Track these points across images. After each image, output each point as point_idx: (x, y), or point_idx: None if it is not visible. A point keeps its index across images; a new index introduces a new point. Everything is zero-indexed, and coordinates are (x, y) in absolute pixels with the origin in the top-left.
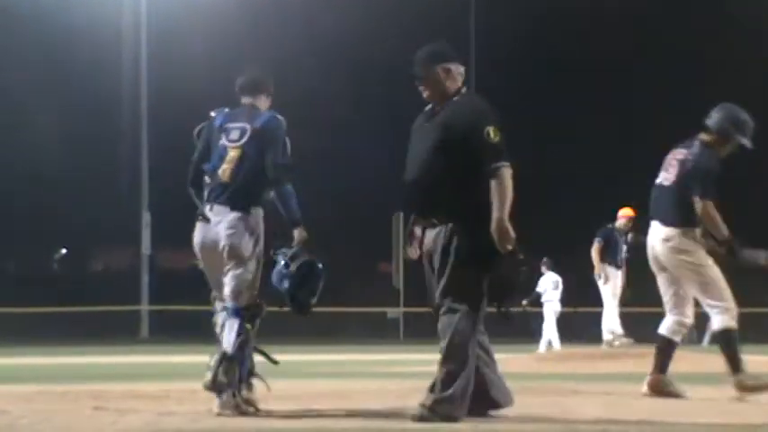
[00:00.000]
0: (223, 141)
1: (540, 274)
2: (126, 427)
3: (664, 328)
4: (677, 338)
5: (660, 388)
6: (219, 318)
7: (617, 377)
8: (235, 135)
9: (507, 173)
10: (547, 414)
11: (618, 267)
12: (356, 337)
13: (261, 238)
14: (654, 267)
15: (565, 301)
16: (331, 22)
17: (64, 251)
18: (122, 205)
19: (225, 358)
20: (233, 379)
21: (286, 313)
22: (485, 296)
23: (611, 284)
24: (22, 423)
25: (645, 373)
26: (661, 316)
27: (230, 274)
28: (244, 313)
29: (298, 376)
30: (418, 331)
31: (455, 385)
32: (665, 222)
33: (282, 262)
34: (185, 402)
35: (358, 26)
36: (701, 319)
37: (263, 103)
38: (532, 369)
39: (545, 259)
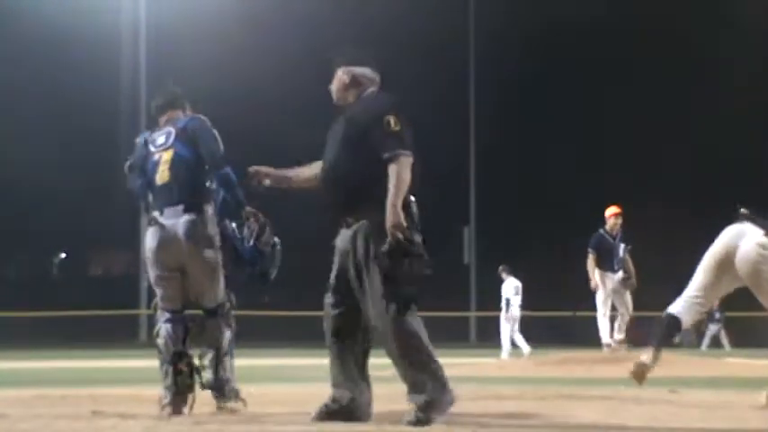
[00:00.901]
0: (151, 150)
1: (501, 281)
2: (125, 430)
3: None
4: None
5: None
6: (163, 328)
7: (616, 382)
8: (161, 140)
9: (405, 160)
10: (546, 418)
11: (615, 271)
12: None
13: (217, 236)
14: (725, 267)
15: (525, 305)
16: (331, 23)
17: (63, 255)
18: (121, 210)
19: (220, 355)
20: (231, 373)
21: (286, 318)
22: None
23: (602, 290)
24: (22, 427)
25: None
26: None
27: (200, 279)
28: (221, 310)
29: (298, 380)
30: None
31: (432, 386)
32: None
33: (251, 242)
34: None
35: (358, 26)
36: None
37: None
38: (531, 373)
39: (503, 266)
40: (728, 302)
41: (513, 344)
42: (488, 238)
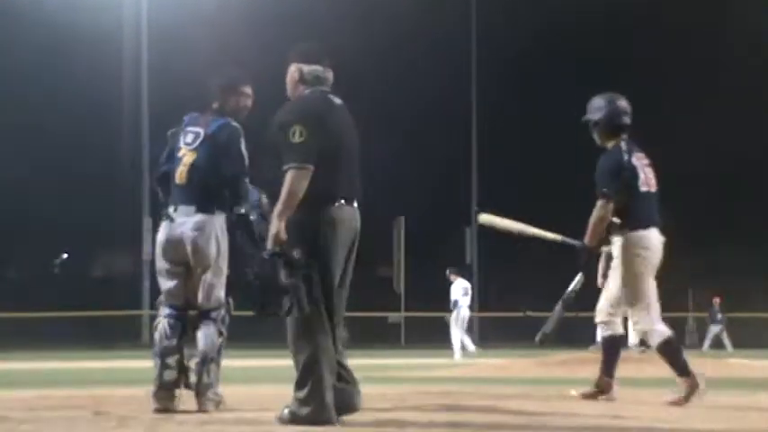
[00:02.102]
0: (180, 143)
1: (449, 283)
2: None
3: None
4: None
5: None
6: (161, 322)
7: (618, 382)
8: (190, 138)
9: (292, 174)
10: (547, 419)
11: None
12: (357, 342)
13: (225, 240)
14: (652, 272)
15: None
16: (331, 23)
17: (65, 256)
18: (123, 210)
19: (207, 360)
20: (215, 379)
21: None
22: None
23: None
24: (23, 429)
25: (646, 377)
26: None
27: (201, 278)
28: (215, 315)
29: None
30: (420, 336)
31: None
32: (661, 230)
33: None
34: (186, 407)
35: (358, 26)
36: (703, 324)
37: (233, 105)
38: (533, 374)
39: (450, 268)
40: (730, 304)
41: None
42: (490, 239)
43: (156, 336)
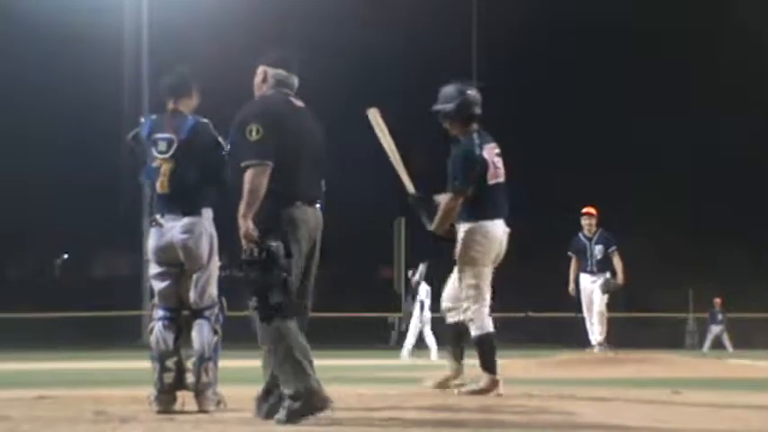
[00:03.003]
0: (153, 153)
1: (415, 283)
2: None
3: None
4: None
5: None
6: (156, 326)
7: (618, 382)
8: (163, 147)
9: (251, 172)
10: (548, 419)
11: (591, 273)
12: (357, 343)
13: (215, 238)
14: (491, 262)
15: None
16: (332, 24)
17: (65, 256)
18: (124, 210)
19: (203, 359)
20: (213, 378)
21: None
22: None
23: (582, 294)
24: (24, 429)
25: (646, 377)
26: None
27: (193, 279)
28: (209, 314)
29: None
30: (420, 336)
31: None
32: (506, 221)
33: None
34: (187, 407)
35: (359, 25)
36: (703, 324)
37: (187, 104)
38: (533, 374)
39: (413, 270)
40: (731, 304)
41: (418, 343)
42: None
43: (153, 340)
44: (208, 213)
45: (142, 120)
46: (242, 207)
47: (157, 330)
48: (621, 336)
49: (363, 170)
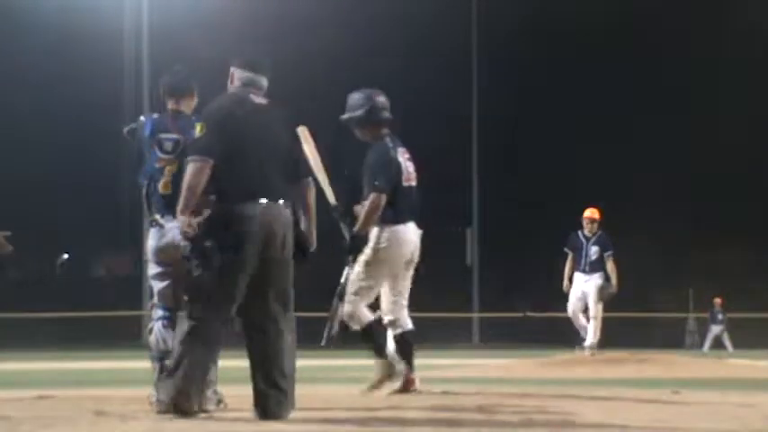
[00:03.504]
0: (158, 153)
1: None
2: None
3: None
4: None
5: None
6: (157, 326)
7: (618, 382)
8: (169, 147)
9: (190, 168)
10: (548, 419)
11: (584, 272)
12: (357, 342)
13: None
14: (403, 266)
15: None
16: (332, 25)
17: (65, 256)
18: (124, 210)
19: None
20: (213, 377)
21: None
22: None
23: (572, 292)
24: (23, 429)
25: (646, 377)
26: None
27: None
28: None
29: (298, 381)
30: (419, 336)
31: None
32: (418, 224)
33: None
34: None
35: (360, 27)
36: (704, 324)
37: (189, 104)
38: (534, 374)
39: None
40: (731, 304)
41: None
42: (491, 240)
43: (152, 340)
44: (207, 215)
45: (142, 118)
46: (180, 203)
47: (157, 330)
48: (622, 336)
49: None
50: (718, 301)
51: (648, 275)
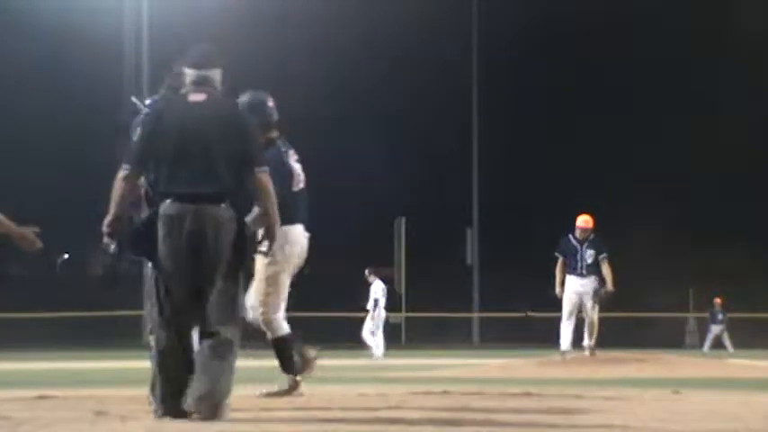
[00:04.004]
0: None
1: (368, 283)
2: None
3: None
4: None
5: None
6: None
7: (619, 382)
8: None
9: (119, 173)
10: (549, 419)
11: (580, 275)
12: (358, 342)
13: None
14: (293, 269)
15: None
16: (333, 25)
17: (66, 256)
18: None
19: None
20: None
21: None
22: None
23: (566, 296)
24: (24, 429)
25: (646, 377)
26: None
27: None
28: None
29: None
30: (420, 336)
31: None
32: (306, 227)
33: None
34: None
35: (359, 28)
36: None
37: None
38: (535, 374)
39: (369, 268)
40: (731, 304)
41: (366, 341)
42: (491, 240)
43: (153, 340)
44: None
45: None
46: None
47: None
48: (622, 336)
49: (363, 171)
50: (718, 301)
51: (648, 276)
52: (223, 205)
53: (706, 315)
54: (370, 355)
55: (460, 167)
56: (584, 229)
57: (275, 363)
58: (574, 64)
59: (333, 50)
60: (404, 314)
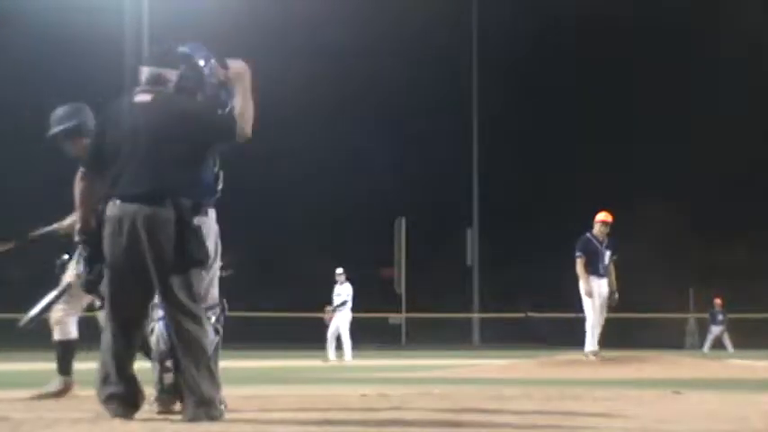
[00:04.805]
0: None
1: (338, 283)
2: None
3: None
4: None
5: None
6: (158, 325)
7: (618, 382)
8: None
9: (77, 176)
10: (549, 419)
11: (600, 276)
12: (358, 343)
13: (218, 239)
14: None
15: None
16: (333, 26)
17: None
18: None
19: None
20: None
21: (289, 321)
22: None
23: (595, 296)
24: (24, 429)
25: (647, 378)
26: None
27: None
28: (211, 314)
29: (299, 382)
30: (420, 337)
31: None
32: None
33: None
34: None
35: (360, 29)
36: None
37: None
38: (534, 374)
39: (341, 269)
40: (732, 304)
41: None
42: (491, 240)
43: (153, 340)
44: (213, 214)
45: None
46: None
47: (158, 331)
48: (622, 336)
49: (363, 172)
50: (717, 301)
51: (649, 276)
52: (164, 206)
53: (706, 316)
54: (326, 358)
55: (460, 168)
56: (605, 223)
57: (278, 363)
58: (574, 64)
59: (332, 50)
60: (404, 315)
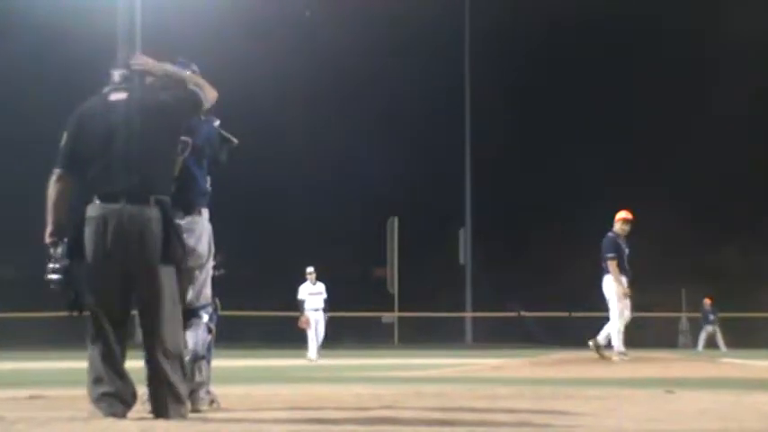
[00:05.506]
0: None
1: (305, 281)
2: (121, 431)
3: None
4: None
5: None
6: (198, 330)
7: (612, 382)
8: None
9: (51, 178)
10: (542, 419)
11: (627, 275)
12: (350, 342)
13: (212, 238)
14: None
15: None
16: (331, 27)
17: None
18: None
19: (197, 358)
20: (206, 377)
21: (281, 320)
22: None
23: (617, 296)
24: (18, 428)
25: (640, 377)
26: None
27: (190, 278)
28: (204, 313)
29: (292, 381)
30: (413, 336)
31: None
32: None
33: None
34: None
35: (358, 30)
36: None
37: None
38: (527, 374)
39: (311, 267)
40: (724, 304)
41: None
42: (484, 239)
43: (190, 342)
44: (206, 213)
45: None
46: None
47: (197, 334)
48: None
49: (356, 171)
50: (707, 301)
51: (641, 275)
52: (149, 204)
53: (699, 315)
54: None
55: (453, 167)
56: (628, 221)
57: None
58: (570, 63)
59: (325, 50)
60: (396, 314)
